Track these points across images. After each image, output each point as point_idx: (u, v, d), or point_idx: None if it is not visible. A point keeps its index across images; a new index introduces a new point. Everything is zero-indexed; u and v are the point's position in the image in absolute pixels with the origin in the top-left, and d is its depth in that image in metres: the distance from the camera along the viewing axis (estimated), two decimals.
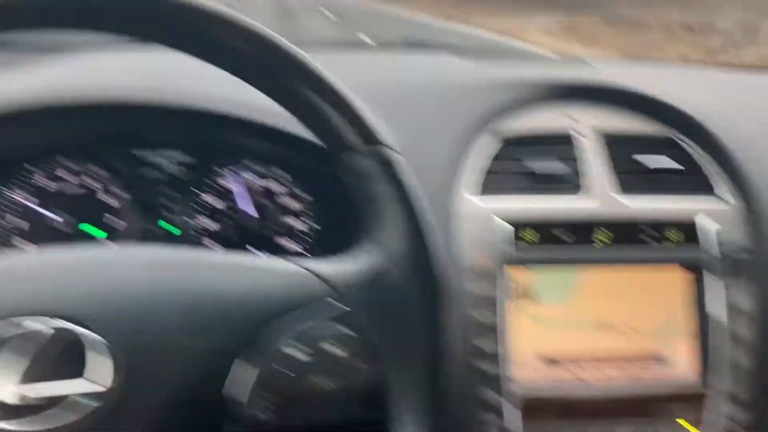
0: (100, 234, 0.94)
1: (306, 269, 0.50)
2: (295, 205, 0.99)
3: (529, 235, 0.85)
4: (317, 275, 0.50)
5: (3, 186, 0.91)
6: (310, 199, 0.99)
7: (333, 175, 0.93)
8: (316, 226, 0.99)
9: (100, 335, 0.44)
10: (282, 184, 0.99)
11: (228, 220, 0.98)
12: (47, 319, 0.43)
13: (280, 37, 0.49)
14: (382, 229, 0.51)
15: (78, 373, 0.43)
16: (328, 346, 0.49)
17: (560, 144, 0.93)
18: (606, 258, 0.86)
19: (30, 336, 0.43)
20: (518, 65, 1.15)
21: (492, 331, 0.82)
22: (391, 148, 0.51)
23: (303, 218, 0.99)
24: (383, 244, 0.51)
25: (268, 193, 0.98)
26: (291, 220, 0.99)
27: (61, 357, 0.43)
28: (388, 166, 0.51)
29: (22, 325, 0.43)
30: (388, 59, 1.24)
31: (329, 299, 0.50)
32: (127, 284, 0.47)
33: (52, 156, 0.92)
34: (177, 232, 0.97)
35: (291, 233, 0.99)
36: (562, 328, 0.85)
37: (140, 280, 0.47)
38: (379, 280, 0.50)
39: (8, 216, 0.91)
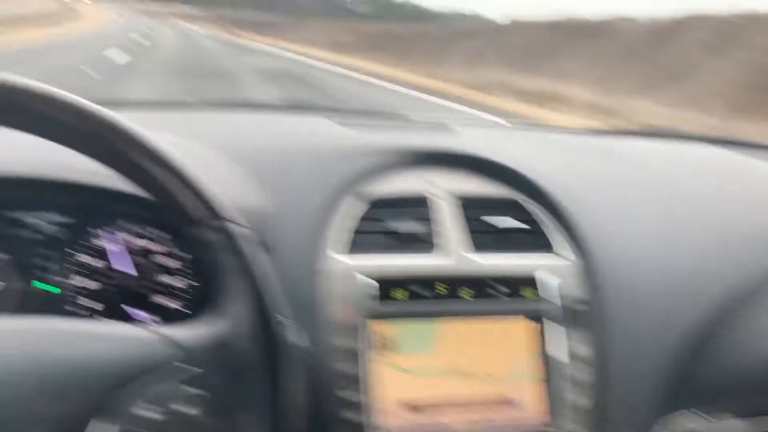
0: None
1: (158, 334, 0.54)
2: (172, 264, 1.02)
3: (390, 291, 0.93)
4: (168, 339, 0.54)
5: None
6: (188, 257, 1.02)
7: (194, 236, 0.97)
8: (194, 283, 1.02)
9: None
10: (157, 243, 1.01)
11: (105, 279, 0.99)
12: None
13: (111, 113, 0.53)
14: (228, 296, 0.56)
15: None
16: (180, 407, 0.53)
17: (419, 206, 1.02)
18: (460, 311, 0.94)
19: None
20: (385, 130, 1.25)
21: (356, 381, 0.87)
22: (234, 222, 0.57)
23: (179, 276, 1.02)
24: (229, 310, 0.56)
25: (144, 253, 1.01)
26: (167, 279, 1.01)
27: None
28: (231, 239, 0.56)
29: None
30: (262, 119, 1.30)
31: (179, 362, 0.53)
32: None
33: None
34: (56, 291, 0.97)
35: (167, 292, 1.01)
36: (422, 377, 0.92)
37: None
38: (224, 344, 0.55)
39: None
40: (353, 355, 0.88)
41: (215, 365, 0.54)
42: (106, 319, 0.58)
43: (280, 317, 0.57)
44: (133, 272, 1.00)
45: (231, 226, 0.56)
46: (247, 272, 0.56)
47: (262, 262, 0.57)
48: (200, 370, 0.53)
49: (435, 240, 0.99)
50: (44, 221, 0.98)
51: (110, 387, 0.51)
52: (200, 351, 0.54)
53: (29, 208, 0.97)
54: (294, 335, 0.58)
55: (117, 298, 0.99)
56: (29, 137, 0.96)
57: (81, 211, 0.98)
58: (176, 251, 1.01)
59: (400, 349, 0.91)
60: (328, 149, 1.07)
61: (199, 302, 1.02)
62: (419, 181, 1.05)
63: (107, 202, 0.94)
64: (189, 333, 0.55)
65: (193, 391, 0.53)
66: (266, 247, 0.61)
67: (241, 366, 0.55)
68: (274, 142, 1.10)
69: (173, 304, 1.01)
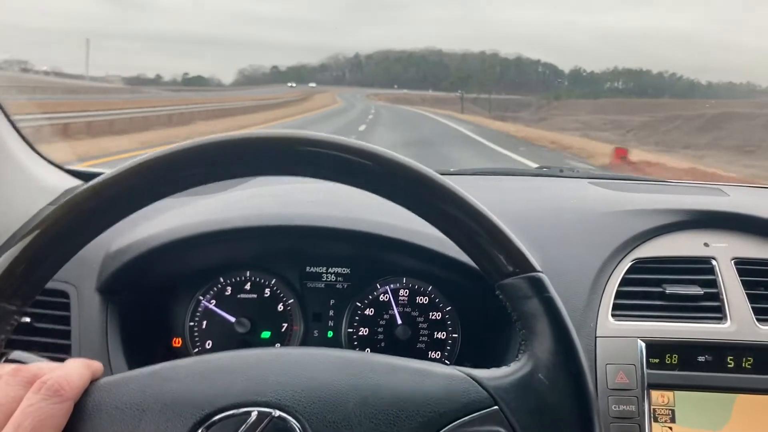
0: (266, 333, 1.08)
1: (465, 374, 0.58)
2: (441, 318, 1.08)
3: (672, 358, 0.88)
4: (474, 379, 0.58)
5: (200, 295, 1.08)
6: (455, 313, 1.08)
7: (475, 290, 1.02)
8: (455, 336, 1.07)
9: (307, 425, 0.53)
10: (429, 297, 1.08)
11: (377, 328, 1.08)
12: (270, 410, 0.54)
13: (437, 175, 0.60)
14: (533, 342, 0.58)
15: None
16: None
17: (697, 269, 0.96)
18: (753, 385, 0.86)
19: (256, 422, 0.53)
20: (649, 192, 1.20)
21: None
22: (540, 271, 0.59)
23: (447, 331, 1.07)
24: (534, 355, 0.58)
25: (416, 306, 1.08)
26: (436, 332, 1.07)
27: None
28: (538, 288, 0.59)
29: (251, 414, 0.54)
30: (526, 185, 1.33)
31: (487, 402, 0.56)
32: (319, 381, 0.56)
33: (242, 270, 1.08)
34: (330, 334, 1.09)
35: (436, 344, 1.07)
36: None
37: (331, 377, 0.57)
38: (529, 387, 0.57)
39: (199, 319, 1.08)
40: (634, 424, 0.84)
41: (519, 407, 0.56)
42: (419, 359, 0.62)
43: (582, 363, 0.58)
44: (399, 320, 1.08)
45: (538, 275, 0.59)
46: (552, 318, 0.58)
47: (563, 309, 0.59)
48: (507, 412, 0.56)
49: (716, 307, 0.93)
50: (332, 273, 1.11)
51: (437, 422, 0.55)
52: (504, 392, 0.56)
53: (322, 262, 1.10)
54: (589, 382, 0.58)
55: (386, 348, 1.08)
56: (320, 195, 1.10)
57: (364, 265, 1.09)
58: (440, 302, 1.07)
59: (684, 422, 0.85)
60: (598, 211, 1.07)
61: (457, 352, 1.06)
62: (695, 243, 0.99)
63: (390, 255, 1.04)
64: (493, 374, 0.58)
65: (500, 430, 0.55)
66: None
67: (545, 410, 0.56)
68: (542, 204, 1.13)
69: (435, 354, 1.07)
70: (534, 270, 0.59)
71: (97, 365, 0.58)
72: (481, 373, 0.59)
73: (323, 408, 0.54)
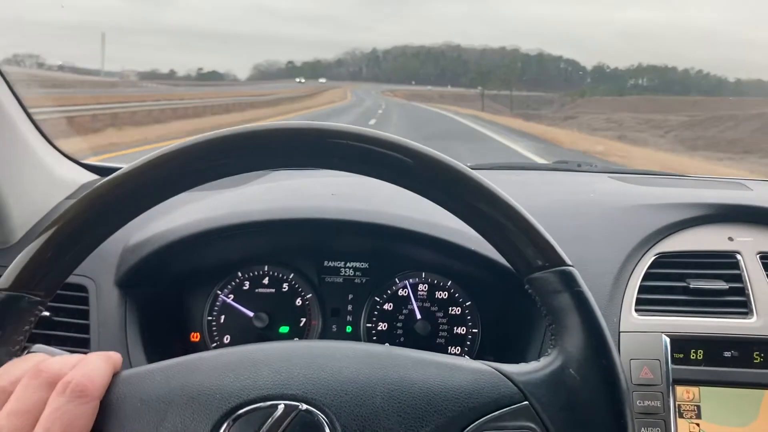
0: (284, 328, 1.07)
1: (493, 368, 0.57)
2: (461, 313, 1.07)
3: (697, 354, 0.86)
4: (504, 374, 0.57)
5: (218, 290, 1.08)
6: (475, 308, 1.07)
7: (496, 285, 1.01)
8: (475, 331, 1.06)
9: (335, 419, 0.53)
10: (448, 292, 1.07)
11: (397, 323, 1.08)
12: (297, 404, 0.53)
13: (468, 169, 0.59)
14: (563, 336, 0.57)
15: None
16: None
17: (721, 264, 0.95)
18: None
19: (283, 415, 0.53)
20: (672, 187, 1.19)
21: None
22: (570, 265, 0.58)
23: (467, 326, 1.06)
24: (564, 350, 0.57)
25: (435, 301, 1.07)
26: (456, 327, 1.06)
27: None
28: (569, 282, 0.57)
29: (278, 407, 0.53)
30: (544, 179, 1.32)
31: (518, 397, 0.55)
32: (345, 374, 0.55)
33: (261, 264, 1.08)
34: (349, 329, 1.08)
35: (456, 339, 1.06)
36: None
37: (357, 370, 0.56)
38: (560, 382, 0.56)
39: (217, 314, 1.07)
40: (659, 420, 0.83)
41: (549, 403, 0.55)
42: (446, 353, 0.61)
43: (615, 356, 0.56)
44: (419, 315, 1.07)
45: (569, 269, 0.58)
46: (583, 311, 0.57)
47: (594, 303, 0.58)
48: (538, 407, 0.55)
49: (742, 301, 0.91)
50: (351, 268, 1.10)
51: (466, 417, 0.54)
52: (534, 387, 0.55)
53: (341, 257, 1.10)
54: (622, 377, 0.56)
55: (403, 340, 1.07)
56: (340, 186, 1.10)
57: (384, 259, 1.09)
58: (459, 297, 1.07)
59: (711, 419, 0.84)
60: (619, 205, 1.05)
61: (477, 348, 1.06)
62: (719, 237, 0.98)
63: (410, 249, 1.03)
64: (522, 369, 0.57)
65: (531, 425, 0.54)
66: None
67: (576, 405, 0.55)
68: (562, 198, 1.11)
69: (455, 350, 1.06)
70: (564, 264, 0.58)
71: (116, 357, 0.57)
72: (509, 368, 0.58)
73: (350, 401, 0.54)
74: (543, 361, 0.58)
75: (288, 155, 0.58)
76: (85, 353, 0.57)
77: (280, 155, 0.58)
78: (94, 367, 0.54)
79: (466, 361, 0.58)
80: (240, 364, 0.56)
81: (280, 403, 0.53)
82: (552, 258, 0.58)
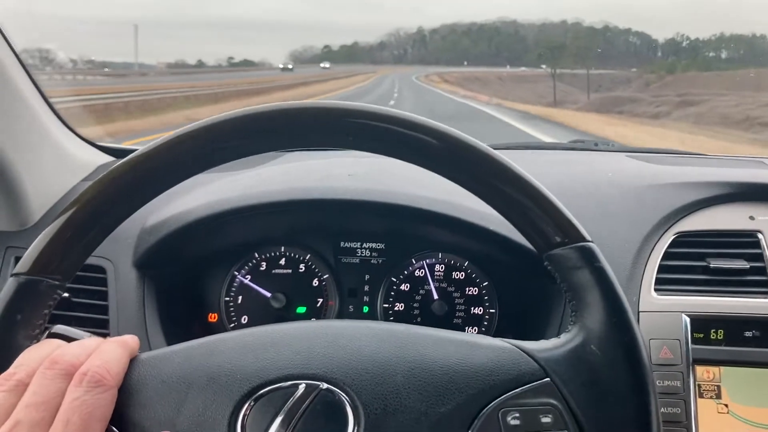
0: (301, 309, 1.08)
1: (513, 345, 0.57)
2: (478, 293, 1.06)
3: (717, 333, 0.85)
4: (524, 351, 0.56)
5: (236, 271, 1.08)
6: (492, 288, 1.06)
7: (513, 265, 1.01)
8: (492, 311, 1.06)
9: (356, 397, 0.52)
10: (465, 272, 1.07)
11: (413, 303, 1.08)
12: (318, 383, 0.53)
13: (488, 147, 0.58)
14: (583, 312, 0.57)
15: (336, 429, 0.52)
16: (541, 418, 0.54)
17: (742, 243, 0.94)
18: None
19: (304, 395, 0.53)
20: (690, 166, 1.17)
21: (682, 427, 0.82)
22: (590, 241, 0.58)
23: (484, 306, 1.06)
24: (585, 326, 0.56)
25: (452, 281, 1.07)
26: (473, 307, 1.06)
27: (323, 414, 0.52)
28: (589, 258, 0.57)
29: (299, 386, 0.54)
30: (561, 158, 1.30)
31: (537, 375, 0.55)
32: (365, 353, 0.55)
33: (277, 245, 1.08)
34: (366, 309, 1.08)
35: (473, 319, 1.06)
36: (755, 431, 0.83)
37: (377, 349, 0.56)
38: (582, 359, 0.55)
39: (235, 294, 1.08)
40: (679, 399, 0.82)
41: (573, 379, 0.55)
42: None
43: (636, 331, 0.56)
44: (435, 296, 1.07)
45: (588, 244, 0.57)
46: (604, 287, 0.56)
47: (615, 279, 0.57)
48: (560, 383, 0.55)
49: (763, 279, 0.90)
50: (367, 249, 1.10)
51: (487, 394, 0.54)
52: (556, 364, 0.55)
53: (357, 237, 1.09)
54: (644, 352, 0.56)
55: (420, 321, 1.07)
56: (361, 166, 1.09)
57: (401, 240, 1.08)
58: (476, 277, 1.06)
59: (733, 398, 0.83)
60: (637, 184, 1.04)
61: (494, 328, 1.05)
62: (740, 216, 0.96)
63: (427, 229, 1.03)
64: (543, 346, 0.57)
65: (552, 402, 0.54)
66: None
67: (598, 382, 0.55)
68: (580, 178, 1.10)
69: (472, 330, 1.06)
70: (584, 239, 0.58)
71: (132, 342, 0.57)
72: (530, 344, 0.57)
73: (371, 380, 0.54)
74: (564, 337, 0.57)
75: (312, 135, 0.58)
76: (105, 335, 0.57)
77: (305, 135, 0.58)
78: (110, 355, 0.54)
79: (486, 339, 0.58)
80: (260, 344, 0.56)
81: (301, 383, 0.54)
82: (572, 234, 0.58)
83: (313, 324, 0.60)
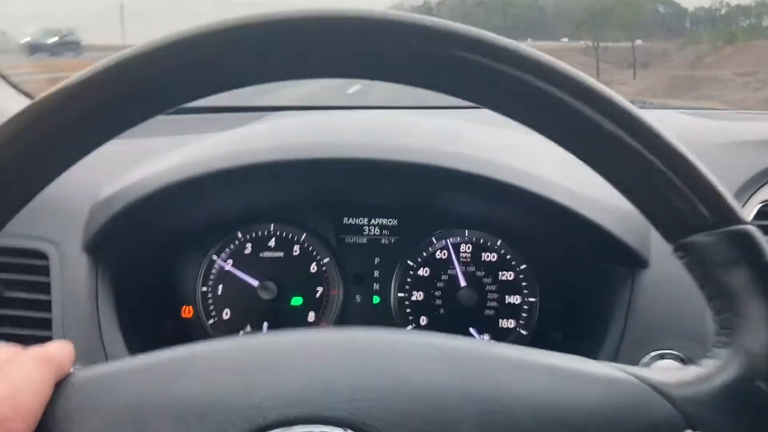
0: (297, 300, 0.88)
1: (635, 376, 0.38)
2: (514, 279, 0.87)
3: None
4: (653, 387, 0.37)
5: (215, 254, 0.88)
6: (532, 272, 0.87)
7: (559, 243, 0.82)
8: (532, 300, 0.87)
9: None
10: (498, 253, 0.88)
11: (435, 292, 0.88)
12: (340, 431, 0.34)
13: (607, 89, 0.39)
14: (741, 330, 0.38)
15: None
16: None
17: None
18: None
19: None
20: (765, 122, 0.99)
21: None
22: (749, 223, 0.38)
23: (522, 294, 0.87)
24: (746, 351, 0.37)
25: (482, 265, 0.88)
26: (508, 296, 0.87)
27: None
28: (752, 249, 0.37)
29: None
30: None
31: (674, 419, 0.36)
32: (412, 385, 0.36)
33: (265, 223, 0.88)
34: (376, 300, 0.89)
35: (508, 311, 0.87)
36: None
37: (429, 378, 0.37)
38: (741, 400, 0.37)
39: (214, 283, 0.88)
40: None
41: (728, 430, 0.36)
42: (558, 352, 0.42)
43: None
44: (463, 282, 0.88)
45: (747, 230, 0.38)
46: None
47: None
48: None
49: None
50: (376, 226, 0.90)
51: None
52: (700, 408, 0.37)
53: (364, 213, 0.90)
54: None
55: (447, 314, 0.88)
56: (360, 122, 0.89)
57: (409, 212, 0.89)
58: (512, 259, 0.87)
59: None
60: (705, 142, 0.86)
61: (535, 321, 0.87)
62: None
63: (447, 197, 0.83)
64: (679, 379, 0.38)
65: None
66: None
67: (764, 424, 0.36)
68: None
69: (507, 324, 0.87)
70: (740, 221, 0.38)
71: (62, 354, 0.38)
72: (659, 376, 0.38)
73: (423, 429, 0.35)
74: (709, 366, 0.38)
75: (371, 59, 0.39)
76: (48, 339, 0.38)
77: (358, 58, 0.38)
78: (22, 379, 0.35)
79: (594, 365, 0.39)
80: (251, 364, 0.37)
81: (315, 430, 0.34)
82: (723, 213, 0.38)
83: (328, 334, 0.41)
